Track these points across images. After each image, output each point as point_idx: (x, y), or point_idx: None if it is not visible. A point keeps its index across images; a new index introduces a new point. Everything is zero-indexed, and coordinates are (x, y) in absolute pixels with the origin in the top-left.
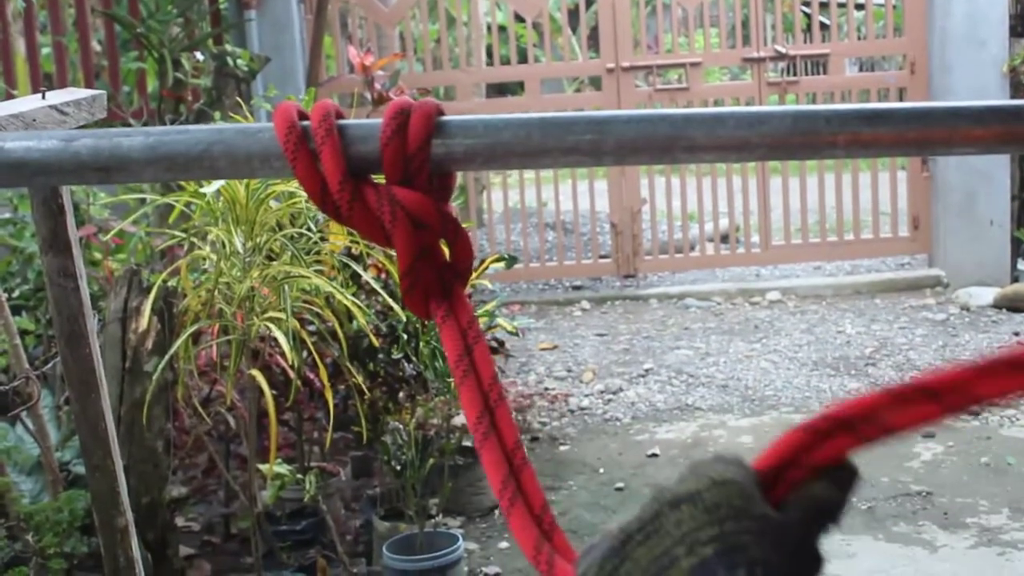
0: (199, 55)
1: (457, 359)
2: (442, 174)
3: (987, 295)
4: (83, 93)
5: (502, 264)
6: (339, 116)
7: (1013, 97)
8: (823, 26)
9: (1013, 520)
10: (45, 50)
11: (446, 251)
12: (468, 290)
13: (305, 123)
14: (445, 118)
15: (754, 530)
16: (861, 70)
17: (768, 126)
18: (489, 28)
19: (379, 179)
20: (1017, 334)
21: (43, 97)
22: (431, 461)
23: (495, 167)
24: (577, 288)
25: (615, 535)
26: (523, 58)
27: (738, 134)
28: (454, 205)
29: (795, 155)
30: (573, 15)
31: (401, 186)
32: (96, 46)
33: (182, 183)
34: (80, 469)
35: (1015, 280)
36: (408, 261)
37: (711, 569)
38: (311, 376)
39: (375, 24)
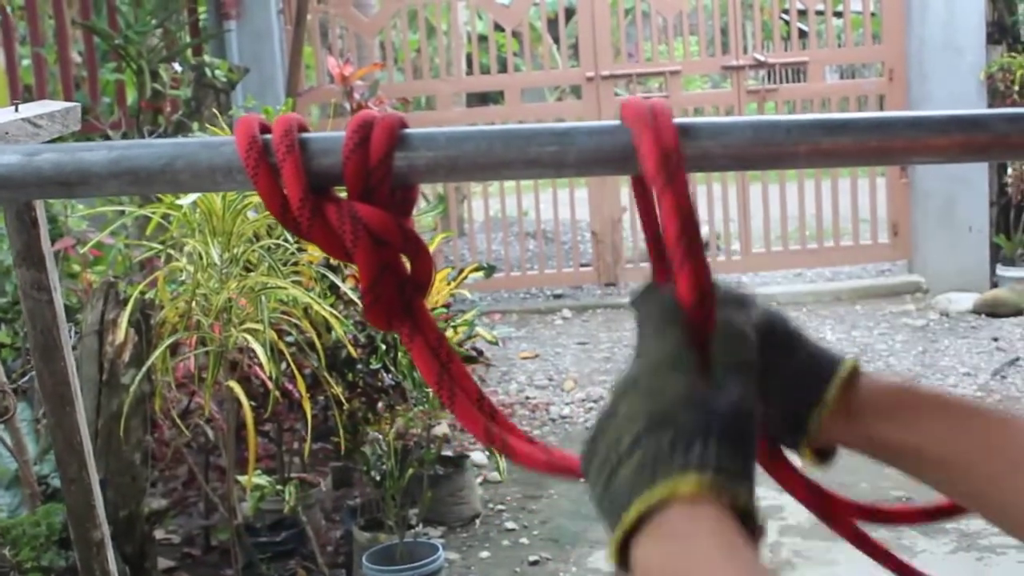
0: (177, 66)
1: (437, 380)
2: (405, 186)
3: (967, 301)
4: (57, 105)
5: (481, 273)
6: (302, 129)
7: (990, 104)
8: (803, 33)
9: (991, 525)
10: (25, 62)
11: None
12: (448, 299)
13: (267, 136)
14: (407, 131)
15: (681, 401)
16: (842, 77)
17: (730, 137)
18: (469, 37)
19: (343, 190)
20: (996, 339)
21: (16, 110)
22: (411, 471)
23: (458, 179)
24: (558, 297)
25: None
26: (504, 67)
27: (699, 145)
28: (435, 214)
29: (757, 165)
30: (553, 24)
31: (363, 200)
32: (76, 57)
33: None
34: (58, 483)
35: (994, 286)
36: (369, 279)
37: (640, 440)
38: (289, 387)
39: (355, 34)
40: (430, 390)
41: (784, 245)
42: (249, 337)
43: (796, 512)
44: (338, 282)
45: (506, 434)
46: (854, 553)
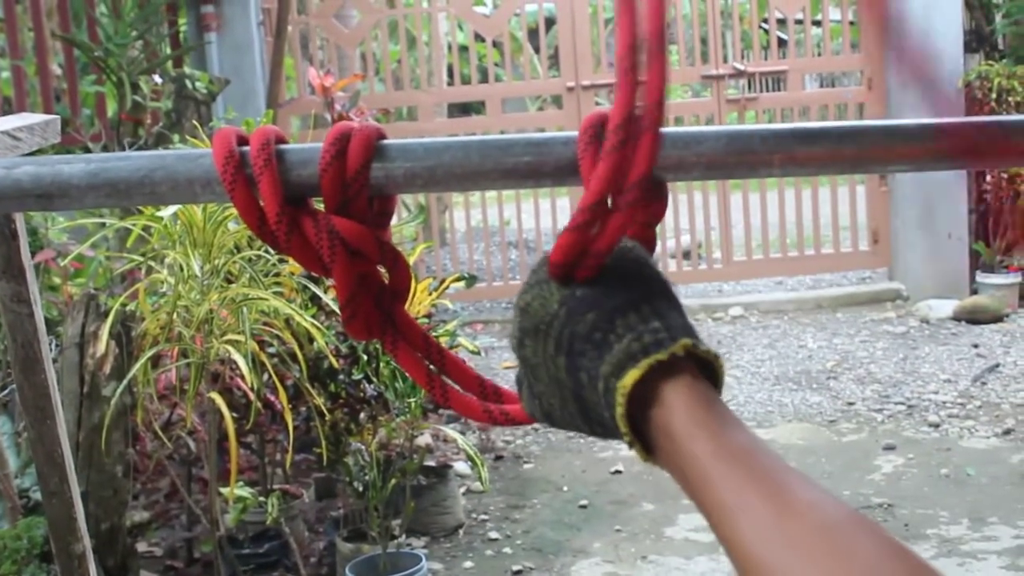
0: (158, 78)
1: (427, 382)
2: (382, 197)
3: (946, 307)
4: (36, 118)
5: (463, 283)
6: (280, 140)
7: (968, 112)
8: (782, 42)
9: (973, 531)
10: (4, 74)
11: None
12: (430, 309)
13: (245, 148)
14: (385, 142)
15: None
16: (822, 86)
17: (704, 146)
18: (450, 48)
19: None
20: (976, 346)
21: None
22: (393, 481)
23: (436, 190)
24: None
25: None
26: (484, 77)
27: (674, 154)
28: (416, 224)
29: (732, 174)
30: (534, 34)
31: (340, 212)
32: (56, 69)
33: (140, 206)
34: (39, 496)
35: (974, 292)
36: (347, 294)
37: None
38: (271, 398)
39: (336, 45)
40: (412, 400)
41: (765, 253)
42: (231, 348)
43: None
44: (320, 293)
45: (506, 408)
46: None
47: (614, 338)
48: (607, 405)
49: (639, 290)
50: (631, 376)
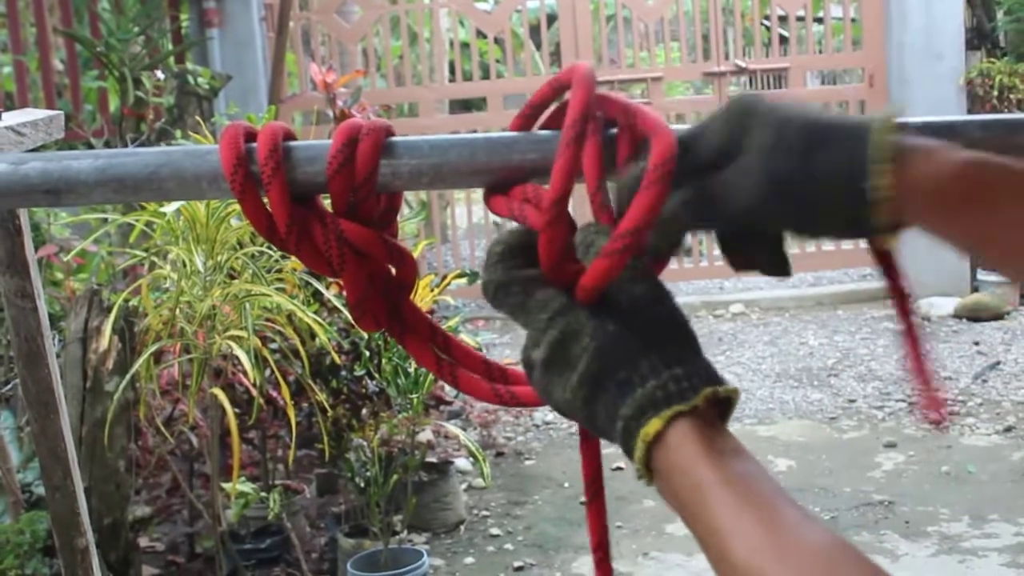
0: (160, 74)
1: (436, 367)
2: (389, 193)
3: (948, 305)
4: (40, 113)
5: (465, 280)
6: (288, 137)
7: (969, 109)
8: (784, 39)
9: (973, 528)
10: (6, 69)
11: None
12: (432, 306)
13: (253, 145)
14: (392, 139)
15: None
16: (823, 83)
17: None
18: (452, 44)
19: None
20: (977, 343)
21: None
22: (395, 477)
23: (442, 187)
24: None
25: None
26: (486, 74)
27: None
28: (418, 220)
29: None
30: (535, 31)
31: (348, 214)
32: (58, 65)
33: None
34: (42, 490)
35: (975, 290)
36: (357, 296)
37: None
38: (274, 394)
39: (338, 41)
40: (414, 397)
41: None
42: (233, 344)
43: None
44: (322, 289)
45: (514, 390)
46: None
47: (638, 379)
48: (622, 442)
49: (665, 331)
50: (653, 426)
